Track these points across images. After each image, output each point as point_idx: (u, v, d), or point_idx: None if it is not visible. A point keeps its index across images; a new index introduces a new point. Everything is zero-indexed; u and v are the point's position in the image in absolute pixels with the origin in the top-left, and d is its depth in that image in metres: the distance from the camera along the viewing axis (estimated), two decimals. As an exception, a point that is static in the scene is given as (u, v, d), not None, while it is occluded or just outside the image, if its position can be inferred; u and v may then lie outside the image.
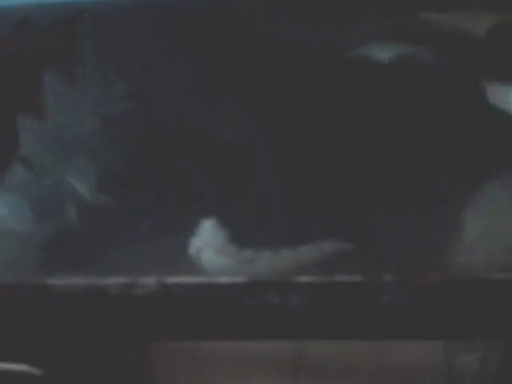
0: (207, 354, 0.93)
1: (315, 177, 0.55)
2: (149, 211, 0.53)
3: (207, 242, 0.49)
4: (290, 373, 0.96)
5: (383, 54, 0.66)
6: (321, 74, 0.65)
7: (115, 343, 0.57)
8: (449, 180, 0.53)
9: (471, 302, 0.47)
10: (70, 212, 0.53)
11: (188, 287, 0.48)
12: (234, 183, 0.55)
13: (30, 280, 0.48)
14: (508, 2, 0.71)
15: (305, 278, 0.47)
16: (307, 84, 0.64)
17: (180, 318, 0.49)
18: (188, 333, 0.50)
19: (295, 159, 0.56)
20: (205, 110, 0.62)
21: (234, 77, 0.65)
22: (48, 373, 0.50)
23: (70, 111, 0.63)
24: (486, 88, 0.60)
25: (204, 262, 0.49)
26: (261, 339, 0.51)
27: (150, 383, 0.87)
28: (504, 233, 0.49)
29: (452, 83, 0.62)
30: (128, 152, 0.58)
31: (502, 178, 0.53)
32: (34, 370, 0.50)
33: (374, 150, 0.57)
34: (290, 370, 0.96)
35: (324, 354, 0.95)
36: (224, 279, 0.47)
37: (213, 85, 0.65)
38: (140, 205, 0.53)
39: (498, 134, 0.57)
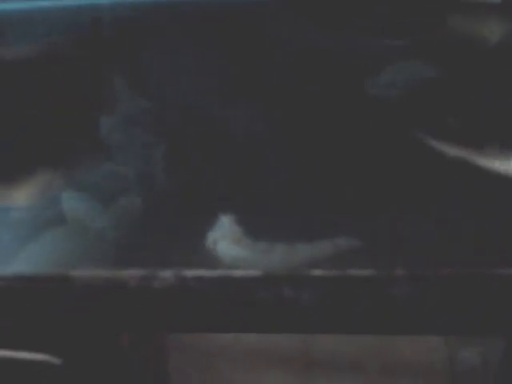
0: (219, 349, 0.90)
1: (330, 175, 0.51)
2: (169, 207, 0.49)
3: (224, 234, 0.46)
4: (300, 367, 0.92)
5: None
6: (330, 74, 0.62)
7: (133, 333, 0.54)
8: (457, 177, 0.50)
9: (481, 296, 0.44)
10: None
11: (204, 280, 0.45)
12: (251, 180, 0.51)
13: (53, 272, 0.45)
14: None
15: (318, 272, 0.44)
16: (318, 83, 0.60)
17: (196, 309, 0.46)
18: (203, 324, 0.47)
19: (311, 158, 0.53)
20: (220, 108, 0.59)
21: (249, 78, 0.62)
22: (67, 362, 0.47)
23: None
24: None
25: (220, 254, 0.45)
26: (274, 332, 0.47)
27: (165, 376, 0.83)
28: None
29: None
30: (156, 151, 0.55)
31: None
32: (54, 360, 0.47)
33: (384, 150, 0.53)
34: (300, 364, 0.92)
35: (332, 351, 0.92)
36: (238, 272, 0.44)
37: (228, 85, 0.61)
38: (161, 201, 0.50)
39: None
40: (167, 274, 0.45)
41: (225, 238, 0.46)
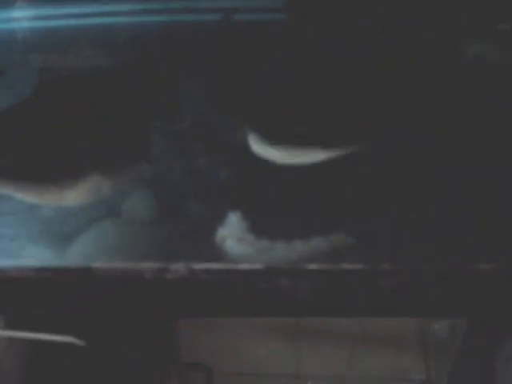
0: (222, 321, 0.90)
1: (326, 176, 0.51)
2: (180, 206, 0.49)
3: (231, 232, 0.46)
4: (292, 336, 0.93)
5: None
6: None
7: (149, 320, 0.54)
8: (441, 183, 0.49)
9: (451, 287, 0.45)
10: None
11: (212, 272, 0.45)
12: (256, 181, 0.51)
13: (77, 264, 0.45)
14: None
15: (313, 266, 0.44)
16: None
17: (204, 298, 0.46)
18: (211, 311, 0.47)
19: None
20: (225, 114, 0.58)
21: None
22: (90, 344, 0.47)
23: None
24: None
25: (227, 250, 0.45)
26: (272, 316, 0.47)
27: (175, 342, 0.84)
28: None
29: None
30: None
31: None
32: (79, 341, 0.47)
33: (379, 156, 0.53)
34: (292, 333, 0.93)
35: (320, 322, 0.92)
36: (243, 266, 0.44)
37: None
38: (177, 200, 0.49)
39: None
40: (179, 266, 0.45)
41: (231, 236, 0.46)
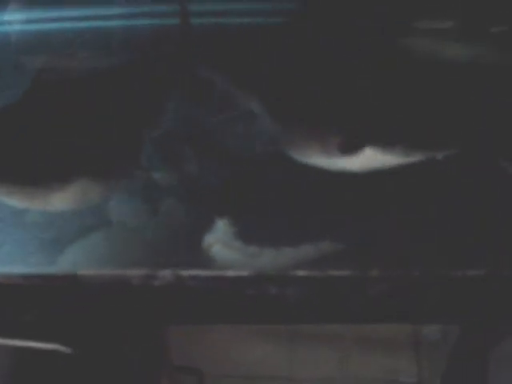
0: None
1: (314, 183, 0.50)
2: (168, 211, 0.49)
3: (218, 238, 0.45)
4: (285, 338, 0.93)
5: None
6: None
7: (136, 326, 0.54)
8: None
9: (442, 293, 0.45)
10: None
11: (199, 279, 0.44)
12: (244, 188, 0.50)
13: (63, 271, 0.45)
14: None
15: (301, 273, 0.44)
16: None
17: (192, 305, 0.46)
18: (199, 318, 0.47)
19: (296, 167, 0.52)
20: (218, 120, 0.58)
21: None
22: (77, 351, 0.47)
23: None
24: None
25: (214, 256, 0.45)
26: (260, 324, 0.47)
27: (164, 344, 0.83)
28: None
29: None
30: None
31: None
32: (65, 349, 0.46)
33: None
34: (286, 336, 0.93)
35: (314, 325, 0.92)
36: (230, 273, 0.44)
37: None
38: (164, 206, 0.49)
39: None
40: (166, 273, 0.44)
41: (219, 243, 0.45)
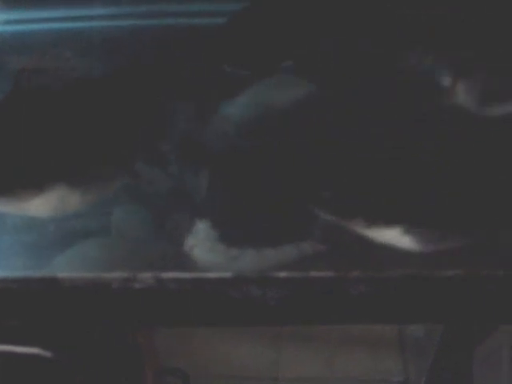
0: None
1: (295, 186, 0.50)
2: (150, 213, 0.48)
3: (199, 240, 0.45)
4: (270, 339, 0.93)
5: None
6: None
7: (116, 329, 0.53)
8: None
9: (422, 293, 0.45)
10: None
11: (180, 281, 0.44)
12: (226, 189, 0.50)
13: (43, 274, 0.44)
14: None
15: (283, 274, 0.43)
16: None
17: (174, 308, 0.45)
18: (181, 321, 0.46)
19: (280, 170, 0.52)
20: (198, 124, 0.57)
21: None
22: (57, 355, 0.46)
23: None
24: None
25: (196, 259, 0.44)
26: (243, 325, 0.47)
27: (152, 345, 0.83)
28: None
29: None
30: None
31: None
32: (45, 353, 0.46)
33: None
34: (270, 336, 0.93)
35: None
36: (212, 274, 0.44)
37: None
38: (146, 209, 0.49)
39: None
40: (147, 275, 0.44)
41: (200, 245, 0.45)
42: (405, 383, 0.95)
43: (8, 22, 0.69)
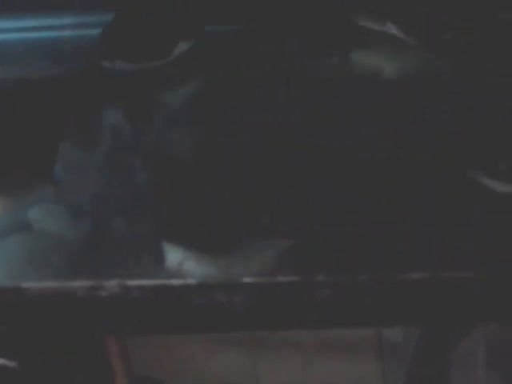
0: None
1: (259, 191, 0.50)
2: (113, 222, 0.48)
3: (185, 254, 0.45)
4: (249, 347, 0.93)
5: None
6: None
7: (83, 338, 0.53)
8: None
9: (392, 297, 0.45)
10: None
11: (145, 289, 0.44)
12: (185, 201, 0.50)
13: (5, 283, 0.44)
14: None
15: (248, 279, 0.44)
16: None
17: (140, 315, 0.45)
18: (146, 328, 0.46)
19: (238, 174, 0.52)
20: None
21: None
22: (22, 365, 0.46)
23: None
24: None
25: (186, 272, 0.44)
26: (209, 332, 0.47)
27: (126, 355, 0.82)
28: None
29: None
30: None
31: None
32: (10, 363, 0.45)
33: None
34: (248, 345, 0.92)
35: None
36: (176, 281, 0.44)
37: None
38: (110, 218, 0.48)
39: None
40: (112, 283, 0.44)
41: (188, 259, 0.45)
42: (383, 387, 0.95)
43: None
